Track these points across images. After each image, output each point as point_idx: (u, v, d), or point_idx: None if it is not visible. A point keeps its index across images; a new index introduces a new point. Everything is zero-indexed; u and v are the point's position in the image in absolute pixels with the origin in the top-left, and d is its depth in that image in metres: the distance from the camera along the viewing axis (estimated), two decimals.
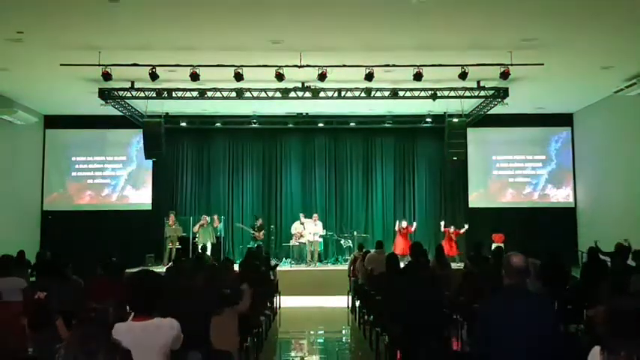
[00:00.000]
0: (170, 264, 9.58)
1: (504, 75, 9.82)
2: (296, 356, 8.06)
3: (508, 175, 15.40)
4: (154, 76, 9.90)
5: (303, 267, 13.60)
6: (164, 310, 3.28)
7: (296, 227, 14.15)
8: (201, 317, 3.86)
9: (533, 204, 15.21)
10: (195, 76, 9.90)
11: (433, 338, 4.74)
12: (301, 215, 14.27)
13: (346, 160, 15.73)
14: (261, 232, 14.04)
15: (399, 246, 13.51)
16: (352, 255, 11.57)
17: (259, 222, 14.19)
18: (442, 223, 14.20)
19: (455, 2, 7.64)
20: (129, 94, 11.27)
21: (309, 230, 13.77)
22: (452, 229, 13.93)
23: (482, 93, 11.33)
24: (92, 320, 2.70)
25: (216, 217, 14.15)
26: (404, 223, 13.90)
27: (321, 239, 14.21)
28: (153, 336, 3.14)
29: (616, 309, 2.72)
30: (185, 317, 3.33)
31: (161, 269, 10.00)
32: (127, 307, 4.07)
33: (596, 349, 2.70)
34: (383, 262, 9.14)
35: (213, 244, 13.71)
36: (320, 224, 14.01)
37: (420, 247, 7.95)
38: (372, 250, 9.96)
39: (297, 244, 14.09)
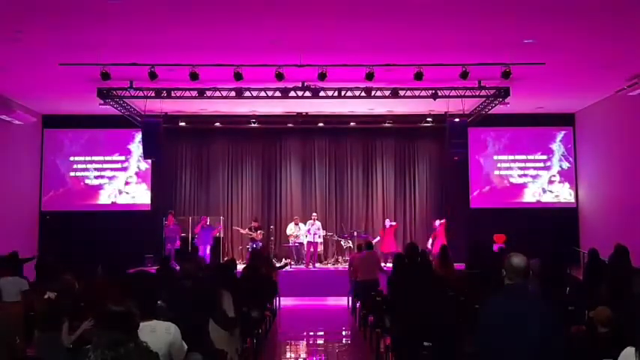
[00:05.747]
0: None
1: (506, 74, 9.77)
2: (296, 357, 8.02)
3: (509, 175, 15.34)
4: (153, 76, 9.85)
5: (302, 267, 13.56)
6: (162, 311, 3.25)
7: (290, 229, 14.17)
8: (198, 317, 3.81)
9: (534, 204, 15.15)
10: (194, 76, 9.84)
11: (435, 339, 4.70)
12: (296, 218, 14.41)
13: (346, 160, 15.65)
14: (259, 232, 13.98)
15: (388, 244, 13.65)
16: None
17: (255, 223, 14.13)
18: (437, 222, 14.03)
19: (456, 1, 7.59)
20: (128, 94, 11.21)
21: (311, 232, 13.74)
22: (437, 222, 13.82)
23: (484, 92, 11.28)
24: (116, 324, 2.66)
25: (219, 227, 14.17)
26: (387, 222, 14.04)
27: (320, 239, 14.14)
28: (148, 338, 3.12)
29: None
30: (183, 318, 3.30)
31: None
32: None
33: (630, 350, 2.59)
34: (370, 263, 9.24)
35: (211, 246, 13.67)
36: (319, 224, 13.94)
37: (416, 248, 7.94)
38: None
39: (296, 244, 14.08)
